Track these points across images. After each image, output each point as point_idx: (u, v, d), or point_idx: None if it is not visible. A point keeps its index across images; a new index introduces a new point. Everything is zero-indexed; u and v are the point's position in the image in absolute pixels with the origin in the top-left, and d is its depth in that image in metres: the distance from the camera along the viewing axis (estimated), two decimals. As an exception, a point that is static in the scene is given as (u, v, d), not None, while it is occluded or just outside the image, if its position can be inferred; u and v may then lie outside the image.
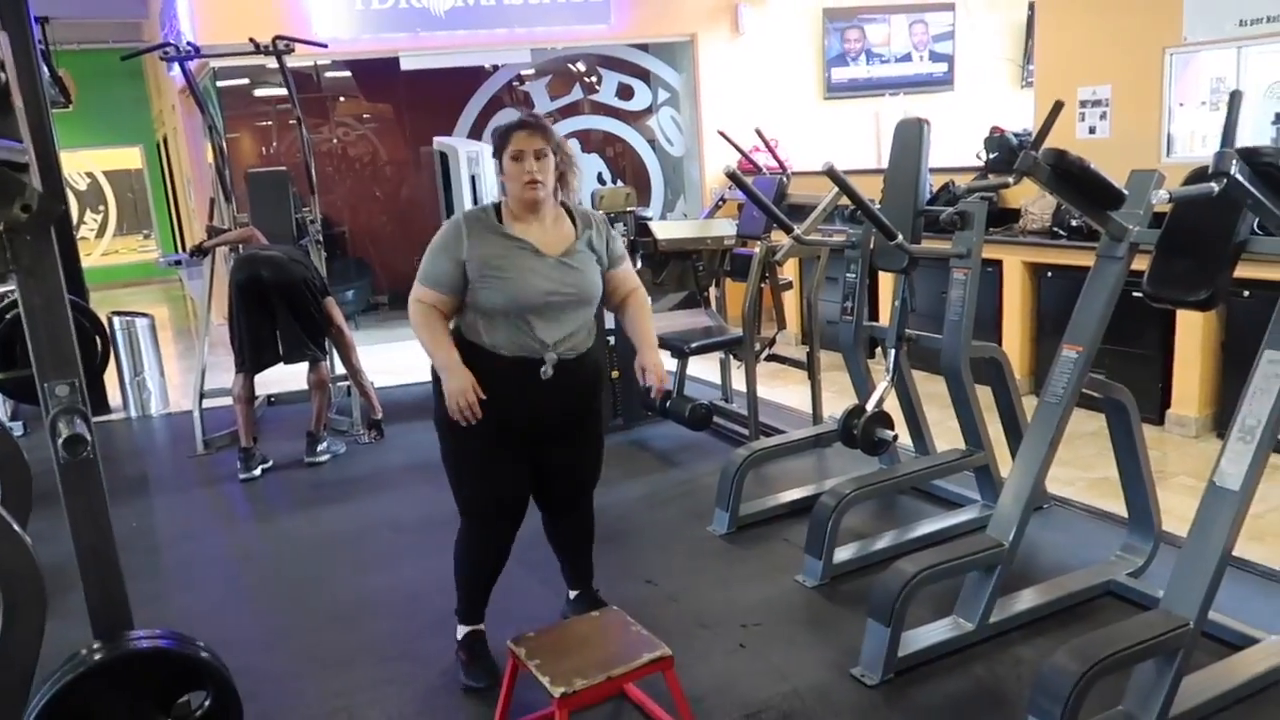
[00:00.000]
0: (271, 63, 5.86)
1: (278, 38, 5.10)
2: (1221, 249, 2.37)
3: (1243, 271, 3.79)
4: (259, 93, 9.18)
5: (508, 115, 2.61)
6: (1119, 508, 3.19)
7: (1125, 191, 2.56)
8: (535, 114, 2.65)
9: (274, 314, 4.50)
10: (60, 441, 1.73)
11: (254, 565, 3.64)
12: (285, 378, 5.06)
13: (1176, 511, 3.19)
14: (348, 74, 9.40)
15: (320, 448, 4.77)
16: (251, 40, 5.05)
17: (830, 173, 2.98)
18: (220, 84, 7.92)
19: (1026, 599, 2.86)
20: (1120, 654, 2.14)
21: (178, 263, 10.11)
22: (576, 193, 2.65)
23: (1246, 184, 2.04)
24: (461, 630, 2.77)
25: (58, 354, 1.70)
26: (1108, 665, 2.11)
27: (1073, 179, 2.46)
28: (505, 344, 2.50)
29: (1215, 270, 2.38)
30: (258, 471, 4.60)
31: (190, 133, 8.89)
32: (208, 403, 5.18)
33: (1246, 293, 3.93)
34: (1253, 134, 4.69)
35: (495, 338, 2.51)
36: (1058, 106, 2.92)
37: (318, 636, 3.02)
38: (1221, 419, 4.33)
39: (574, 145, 8.06)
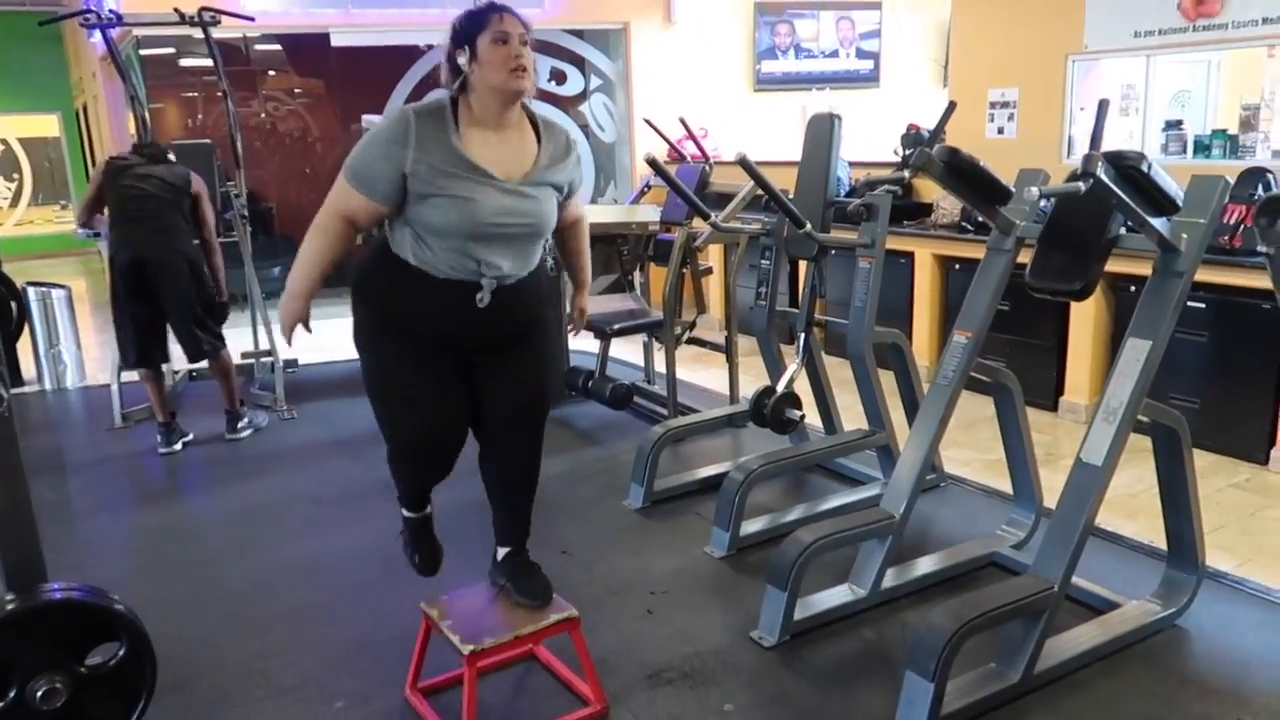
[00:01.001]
0: (199, 32, 5.79)
1: (203, 9, 5.04)
2: (1095, 244, 2.57)
3: (1129, 268, 4.06)
4: (185, 63, 9.00)
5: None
6: (1008, 486, 3.40)
7: (1013, 189, 2.75)
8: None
9: (160, 305, 4.39)
10: (-26, 401, 1.77)
11: (173, 537, 3.66)
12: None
13: (1058, 491, 3.41)
14: (278, 48, 9.27)
15: (241, 424, 4.75)
16: (177, 10, 4.99)
17: (743, 163, 3.12)
18: (144, 52, 7.75)
19: (917, 568, 3.05)
20: (990, 614, 2.33)
21: (96, 235, 9.87)
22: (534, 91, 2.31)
23: (1111, 184, 2.23)
24: (407, 514, 2.59)
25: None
26: (978, 624, 2.29)
27: (965, 175, 2.64)
28: (439, 266, 2.23)
29: (1089, 263, 2.58)
30: (178, 446, 4.59)
31: (111, 101, 8.67)
32: (126, 375, 5.13)
33: (1133, 287, 4.19)
34: (1155, 138, 4.99)
35: (428, 257, 2.23)
36: (951, 107, 3.11)
37: (235, 604, 3.07)
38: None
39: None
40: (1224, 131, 4.77)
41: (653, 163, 3.55)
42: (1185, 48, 4.63)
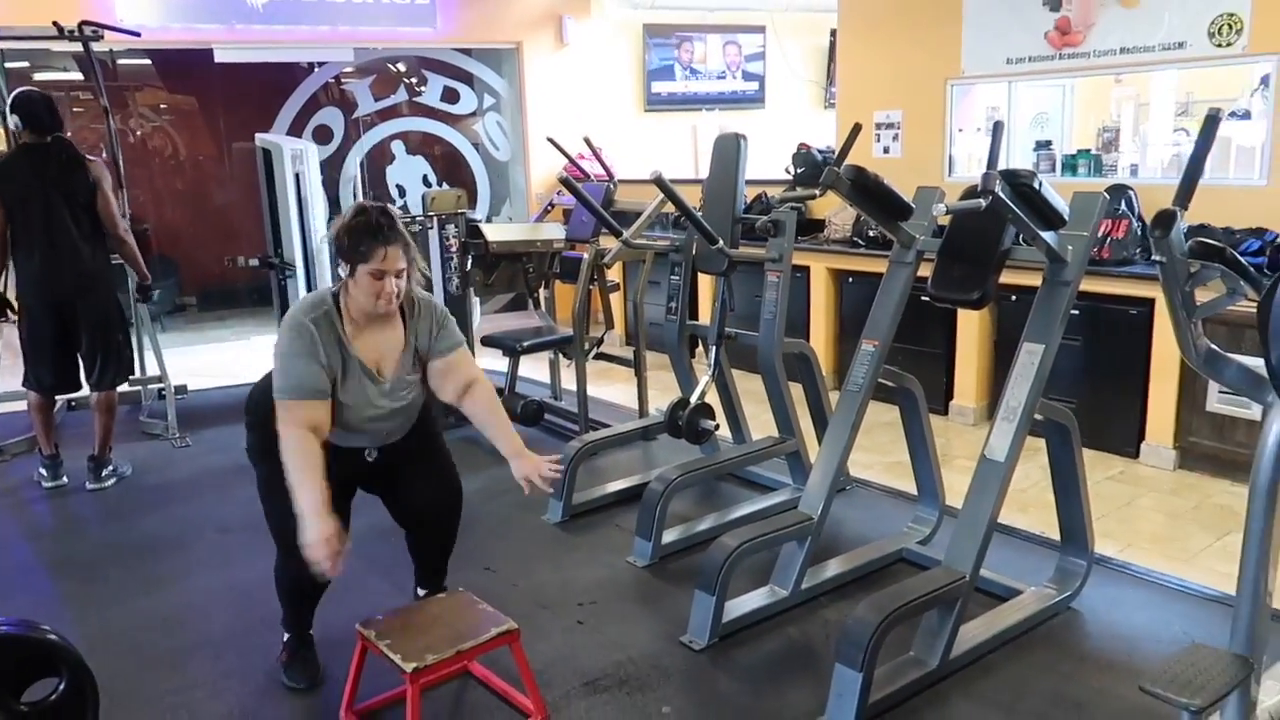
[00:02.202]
0: (59, 45, 5.50)
1: (84, 23, 4.84)
2: (990, 256, 2.76)
3: (1010, 279, 4.34)
4: (40, 77, 8.56)
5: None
6: (910, 486, 3.59)
7: (913, 205, 2.92)
8: (389, 215, 2.43)
9: (77, 339, 4.15)
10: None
11: (71, 572, 3.48)
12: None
13: (957, 488, 3.60)
14: (148, 62, 8.92)
15: (105, 471, 4.31)
16: (55, 24, 4.78)
17: (659, 181, 3.21)
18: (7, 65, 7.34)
19: (832, 568, 3.19)
20: (910, 604, 2.46)
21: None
22: (421, 277, 2.55)
23: (1008, 201, 2.41)
24: (287, 635, 2.74)
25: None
26: (900, 614, 2.43)
27: (869, 193, 2.79)
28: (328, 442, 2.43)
29: (985, 274, 2.77)
30: (65, 479, 4.35)
31: (-32, 117, 8.17)
32: (3, 407, 4.86)
33: (1014, 297, 4.48)
34: (1020, 157, 5.35)
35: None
36: (856, 129, 3.27)
37: (146, 639, 2.96)
38: (995, 408, 4.90)
39: (398, 147, 7.97)
40: (1088, 151, 5.15)
41: (566, 181, 3.62)
42: (1052, 74, 4.99)
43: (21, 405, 5.23)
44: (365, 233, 2.37)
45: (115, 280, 4.42)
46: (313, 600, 2.69)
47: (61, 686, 1.81)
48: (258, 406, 2.50)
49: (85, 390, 4.35)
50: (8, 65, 7.20)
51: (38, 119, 4.00)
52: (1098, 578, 3.06)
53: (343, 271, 2.43)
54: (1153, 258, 2.15)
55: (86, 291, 4.11)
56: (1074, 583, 2.98)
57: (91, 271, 4.12)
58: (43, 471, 4.35)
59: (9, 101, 4.13)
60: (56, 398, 4.50)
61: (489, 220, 7.76)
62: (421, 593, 2.92)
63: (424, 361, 2.59)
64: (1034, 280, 2.76)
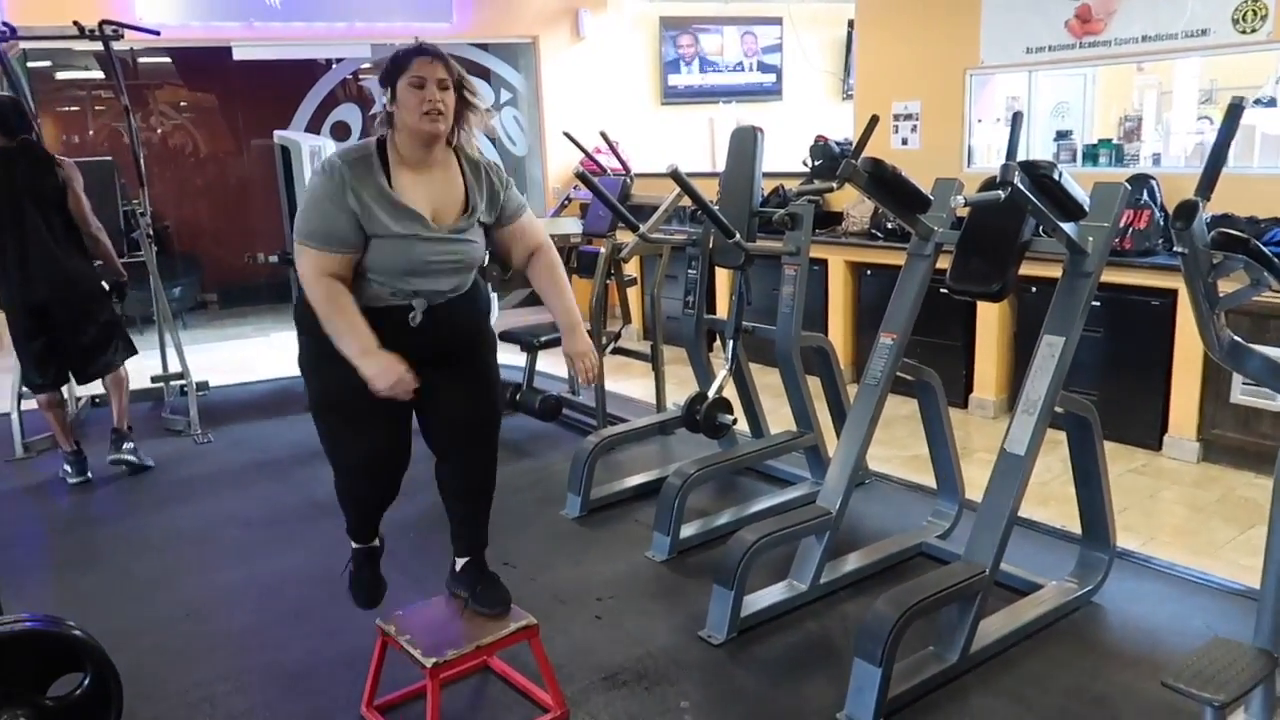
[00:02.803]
0: (80, 45, 5.55)
1: (104, 22, 4.88)
2: (1009, 248, 2.74)
3: (1030, 270, 4.31)
4: (63, 76, 8.64)
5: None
6: (929, 480, 3.57)
7: (931, 197, 2.91)
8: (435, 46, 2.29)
9: (60, 331, 4.16)
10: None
11: (94, 568, 3.52)
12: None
13: (977, 482, 3.58)
14: (168, 60, 8.99)
15: (126, 445, 4.43)
16: (76, 24, 4.82)
17: (675, 175, 3.20)
18: (30, 65, 7.42)
19: (851, 562, 3.18)
20: (930, 599, 2.45)
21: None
22: (474, 137, 2.38)
23: (1027, 192, 2.39)
24: (356, 545, 2.64)
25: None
26: (920, 609, 2.42)
27: (887, 185, 2.78)
28: (372, 294, 2.28)
29: (1004, 266, 2.75)
30: (89, 475, 4.40)
31: (-9, 117, 8.25)
32: (27, 404, 4.91)
33: (1034, 289, 4.44)
34: (1041, 147, 5.30)
35: (361, 287, 2.27)
36: (874, 121, 3.25)
37: (170, 633, 2.99)
38: (1015, 401, 4.86)
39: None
40: (1109, 141, 5.09)
41: (583, 176, 3.61)
42: (1072, 63, 4.94)
43: (46, 402, 5.30)
44: (404, 51, 2.25)
45: (97, 274, 4.31)
46: (378, 511, 2.58)
47: (86, 682, 1.84)
48: (303, 318, 2.34)
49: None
50: (31, 65, 7.28)
51: (5, 122, 3.94)
52: (1119, 572, 3.04)
53: (386, 101, 2.24)
54: (1175, 248, 2.12)
55: (64, 293, 4.10)
56: (1095, 577, 2.96)
57: (68, 272, 4.09)
58: (67, 468, 4.40)
59: None
60: (65, 394, 4.61)
61: (506, 215, 7.77)
62: (460, 564, 2.61)
63: (485, 225, 2.40)
64: (1054, 272, 2.74)
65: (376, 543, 2.66)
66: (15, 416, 4.80)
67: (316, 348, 2.31)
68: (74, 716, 1.85)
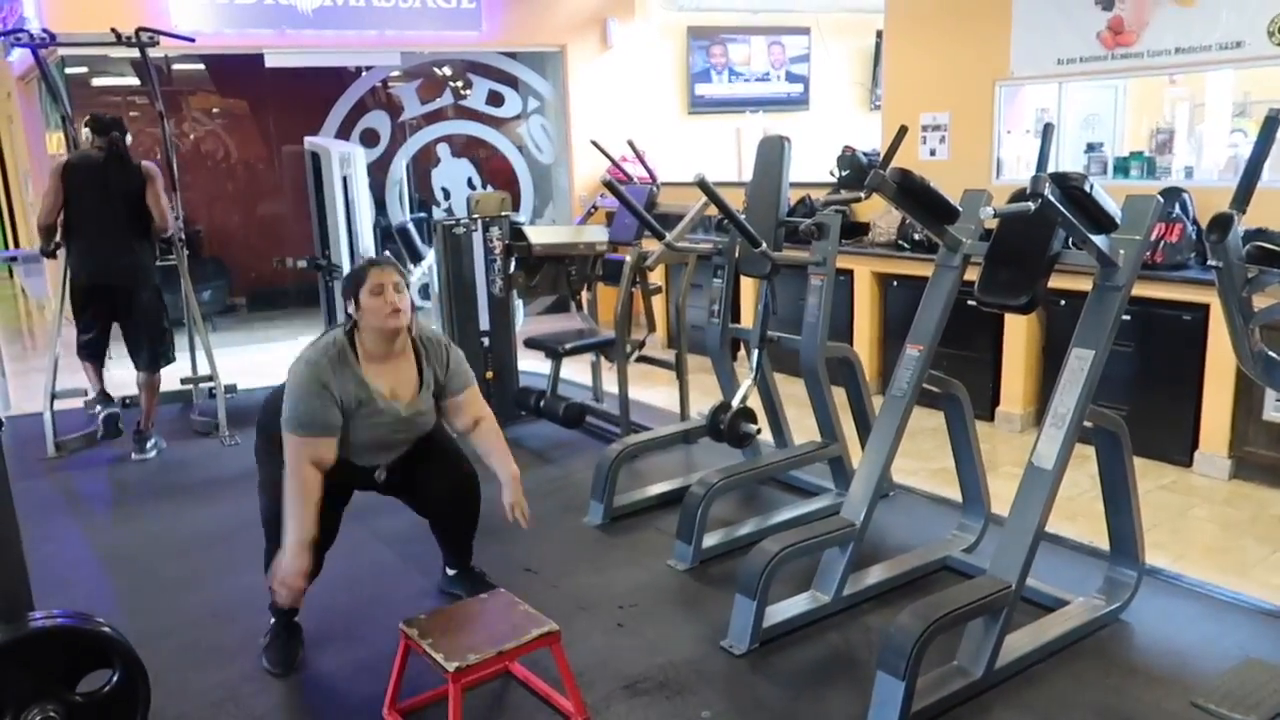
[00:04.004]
0: (116, 52, 5.64)
1: (141, 29, 4.96)
2: (1039, 260, 2.72)
3: (1059, 283, 4.27)
4: (99, 82, 8.78)
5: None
6: (955, 493, 3.54)
7: (960, 208, 2.89)
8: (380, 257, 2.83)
9: (118, 316, 4.73)
10: (-35, 426, 1.74)
11: (123, 567, 3.57)
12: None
13: (1003, 496, 3.55)
14: (201, 67, 9.11)
15: (149, 444, 4.79)
16: (113, 31, 4.90)
17: (702, 184, 3.21)
18: (67, 72, 7.55)
19: (875, 574, 3.16)
20: (954, 613, 2.43)
21: (13, 259, 9.53)
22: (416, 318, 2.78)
23: (1057, 204, 2.37)
24: (273, 619, 2.83)
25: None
26: (944, 623, 2.40)
27: (915, 196, 2.75)
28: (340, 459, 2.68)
29: (1034, 278, 2.73)
30: (116, 410, 4.87)
31: (30, 122, 8.42)
32: (59, 404, 4.99)
33: (1062, 301, 4.41)
34: (1070, 160, 5.26)
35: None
36: (902, 131, 3.24)
37: (195, 633, 3.02)
38: (1042, 414, 4.82)
39: (444, 149, 8.10)
40: (1141, 153, 5.05)
41: (610, 185, 3.63)
42: (1104, 75, 4.90)
43: (77, 402, 5.40)
44: (359, 267, 2.70)
45: (161, 278, 4.88)
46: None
47: (115, 678, 1.86)
48: (266, 414, 2.77)
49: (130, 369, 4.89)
50: (69, 70, 7.41)
51: (100, 123, 4.61)
52: (1148, 589, 2.99)
53: (351, 310, 2.65)
54: (1208, 262, 2.10)
55: (127, 278, 4.62)
56: (1124, 594, 2.92)
57: (133, 258, 4.63)
58: (96, 406, 4.90)
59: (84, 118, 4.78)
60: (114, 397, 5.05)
61: (532, 223, 7.81)
62: (451, 573, 3.14)
63: (438, 397, 2.83)
64: (1084, 285, 2.71)
65: (296, 614, 2.86)
66: (48, 416, 4.88)
67: (271, 454, 2.71)
68: (102, 712, 1.87)
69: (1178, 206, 4.30)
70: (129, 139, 4.74)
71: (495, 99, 8.09)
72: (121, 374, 5.45)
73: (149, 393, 4.78)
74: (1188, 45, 4.45)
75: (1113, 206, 2.50)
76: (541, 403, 4.88)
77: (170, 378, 5.16)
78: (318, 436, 2.58)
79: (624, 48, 8.18)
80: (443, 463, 2.95)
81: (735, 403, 3.76)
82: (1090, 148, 5.20)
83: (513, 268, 4.87)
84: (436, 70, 8.50)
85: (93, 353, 4.82)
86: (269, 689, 2.68)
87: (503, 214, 4.92)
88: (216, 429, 5.10)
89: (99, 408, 4.88)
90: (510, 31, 7.83)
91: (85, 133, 4.67)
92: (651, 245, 4.43)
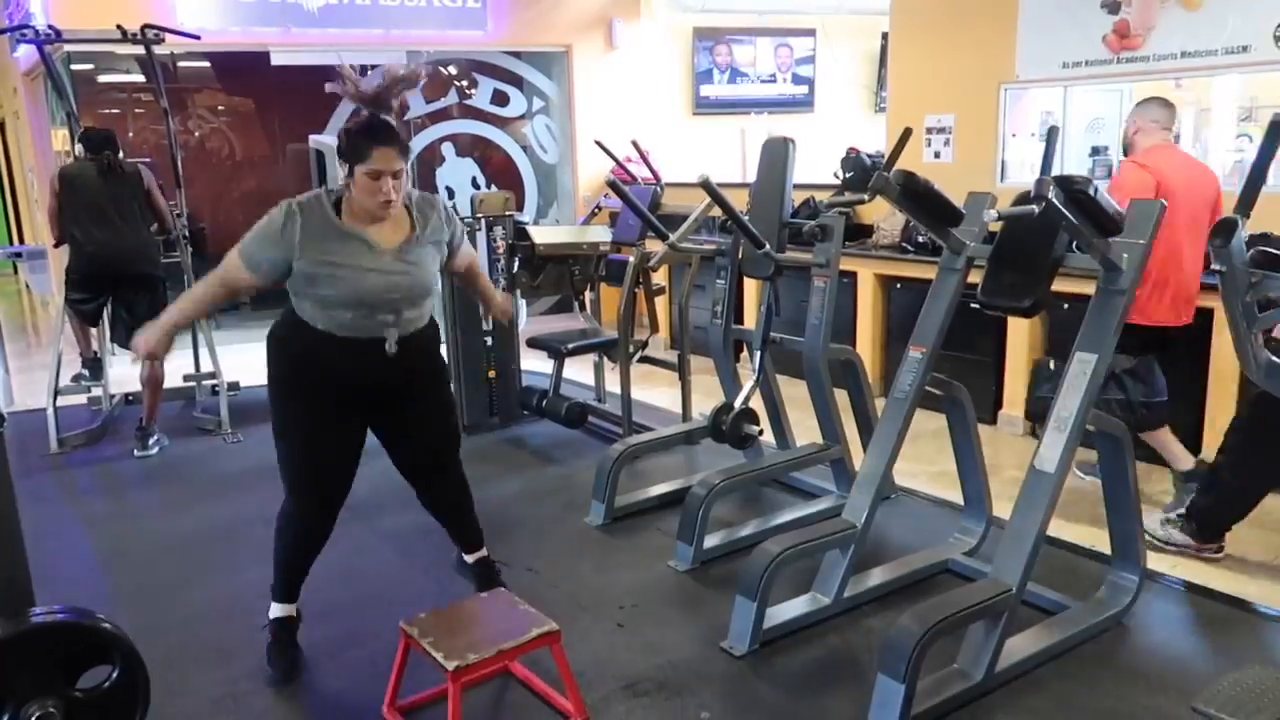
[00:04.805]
0: (122, 49, 5.65)
1: (146, 26, 4.97)
2: (1042, 264, 2.72)
3: (1063, 286, 4.26)
4: (105, 79, 8.79)
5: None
6: (956, 496, 3.54)
7: (963, 211, 2.89)
8: (385, 121, 2.52)
9: (119, 299, 4.82)
10: (-31, 422, 1.74)
11: (124, 563, 3.57)
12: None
13: (1006, 499, 3.56)
14: (207, 65, 9.12)
15: (151, 441, 4.81)
16: (119, 28, 4.91)
17: (706, 185, 3.21)
18: (73, 68, 7.56)
19: (876, 577, 3.16)
20: (955, 616, 2.43)
21: (17, 255, 9.53)
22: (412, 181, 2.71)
23: (1061, 207, 2.37)
24: (275, 609, 2.80)
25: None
26: (944, 626, 2.39)
27: (919, 198, 2.76)
28: (341, 328, 2.54)
29: (1037, 282, 2.72)
30: (104, 381, 5.16)
31: (35, 119, 8.43)
32: (62, 400, 5.00)
33: (1065, 305, 4.40)
34: (1075, 163, 5.25)
35: (331, 323, 2.54)
36: (906, 133, 3.24)
37: (196, 629, 3.02)
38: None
39: (448, 149, 8.07)
40: (1145, 158, 5.03)
41: (613, 185, 3.63)
42: (1109, 78, 4.90)
43: (81, 399, 5.41)
44: (361, 134, 2.46)
45: (160, 259, 4.99)
46: (309, 559, 2.78)
47: (115, 675, 1.87)
48: (275, 342, 2.66)
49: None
50: (74, 67, 7.42)
51: (91, 143, 4.78)
52: (1150, 593, 2.99)
53: (342, 172, 2.50)
54: (1213, 267, 2.10)
55: (134, 267, 4.75)
56: (1125, 598, 2.92)
57: (142, 252, 4.79)
58: (85, 372, 5.07)
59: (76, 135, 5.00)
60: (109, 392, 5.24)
61: (536, 222, 7.80)
62: (468, 559, 3.08)
63: (442, 252, 2.72)
64: (1087, 288, 2.70)
65: (295, 611, 2.82)
66: (51, 412, 4.89)
67: (284, 373, 2.65)
68: (102, 708, 1.87)
69: (1182, 211, 4.28)
70: (121, 154, 4.86)
71: (500, 98, 8.09)
72: (125, 370, 5.47)
73: (152, 389, 4.78)
74: (1193, 49, 4.44)
75: (1117, 210, 2.49)
76: (544, 402, 4.88)
77: (173, 375, 5.17)
78: (245, 269, 2.51)
79: (629, 48, 8.18)
80: (438, 414, 2.85)
81: (737, 404, 3.76)
82: (1095, 151, 5.19)
83: (516, 267, 4.87)
84: (442, 69, 8.50)
85: (87, 317, 4.95)
86: (269, 686, 2.68)
87: (507, 214, 4.92)
88: (219, 426, 5.11)
89: (89, 374, 5.07)
90: (515, 31, 7.83)
91: (78, 148, 4.81)
92: (655, 246, 4.44)
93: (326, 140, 5.46)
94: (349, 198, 2.53)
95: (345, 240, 2.51)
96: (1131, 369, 3.75)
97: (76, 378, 5.11)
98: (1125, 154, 3.87)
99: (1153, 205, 2.56)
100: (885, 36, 6.40)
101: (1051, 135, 2.47)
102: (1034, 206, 2.32)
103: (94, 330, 5.15)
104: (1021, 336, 4.80)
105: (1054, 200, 2.31)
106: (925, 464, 4.44)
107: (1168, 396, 3.84)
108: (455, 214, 2.81)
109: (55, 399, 4.91)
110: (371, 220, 2.54)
